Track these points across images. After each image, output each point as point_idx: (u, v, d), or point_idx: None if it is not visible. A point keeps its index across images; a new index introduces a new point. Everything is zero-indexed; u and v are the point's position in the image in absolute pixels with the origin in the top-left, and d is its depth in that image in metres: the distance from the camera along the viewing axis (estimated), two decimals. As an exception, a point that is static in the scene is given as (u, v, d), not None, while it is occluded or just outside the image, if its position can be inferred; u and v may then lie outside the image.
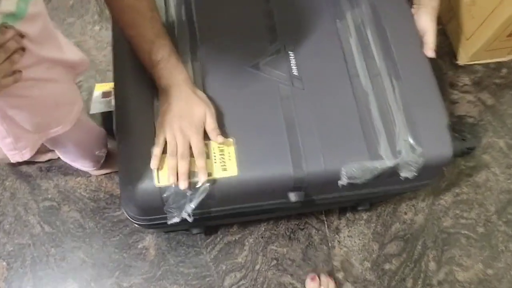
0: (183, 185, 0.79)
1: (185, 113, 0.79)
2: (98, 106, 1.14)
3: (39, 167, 1.22)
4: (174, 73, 0.81)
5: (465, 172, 1.30)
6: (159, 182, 0.83)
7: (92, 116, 1.18)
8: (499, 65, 1.47)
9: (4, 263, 1.13)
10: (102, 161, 1.16)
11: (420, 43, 1.00)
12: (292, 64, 0.95)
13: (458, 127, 1.37)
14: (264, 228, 1.20)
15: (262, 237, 1.20)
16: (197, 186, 0.82)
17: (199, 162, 0.80)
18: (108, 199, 1.21)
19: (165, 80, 0.81)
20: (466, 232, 1.23)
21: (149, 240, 1.17)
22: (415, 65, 0.98)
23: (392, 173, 0.90)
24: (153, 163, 0.80)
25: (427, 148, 0.89)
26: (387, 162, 0.87)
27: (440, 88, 1.44)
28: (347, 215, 1.23)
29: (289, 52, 0.96)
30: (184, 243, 1.18)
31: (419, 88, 0.95)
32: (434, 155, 0.90)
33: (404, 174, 0.90)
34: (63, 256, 1.15)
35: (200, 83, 0.90)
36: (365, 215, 1.23)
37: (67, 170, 1.22)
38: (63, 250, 1.16)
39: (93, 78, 1.33)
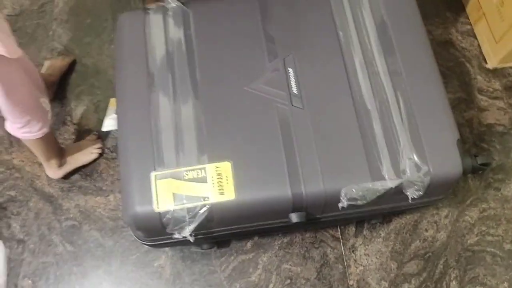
0: None
1: None
2: (111, 122, 1.08)
3: (61, 187, 1.27)
4: None
5: (493, 186, 1.22)
6: (158, 208, 0.85)
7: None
8: (533, 68, 1.35)
9: (30, 281, 1.19)
10: (47, 129, 1.09)
11: (429, 52, 0.96)
12: (291, 82, 0.93)
13: (487, 137, 1.29)
14: (278, 247, 1.19)
15: (276, 256, 1.18)
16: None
17: None
18: (126, 218, 1.24)
19: None
20: (492, 249, 1.16)
21: (165, 258, 1.19)
22: (423, 77, 0.93)
23: (396, 192, 0.86)
24: None
25: (433, 166, 0.85)
26: (390, 183, 0.83)
27: (468, 94, 1.41)
28: (364, 232, 1.18)
29: (289, 69, 0.94)
30: (198, 261, 1.18)
31: (427, 102, 0.90)
32: (441, 174, 0.85)
33: (409, 193, 0.86)
34: (84, 274, 1.19)
35: (196, 102, 0.91)
36: (382, 233, 1.18)
37: (87, 190, 1.26)
38: (84, 268, 1.20)
39: (111, 97, 1.36)
